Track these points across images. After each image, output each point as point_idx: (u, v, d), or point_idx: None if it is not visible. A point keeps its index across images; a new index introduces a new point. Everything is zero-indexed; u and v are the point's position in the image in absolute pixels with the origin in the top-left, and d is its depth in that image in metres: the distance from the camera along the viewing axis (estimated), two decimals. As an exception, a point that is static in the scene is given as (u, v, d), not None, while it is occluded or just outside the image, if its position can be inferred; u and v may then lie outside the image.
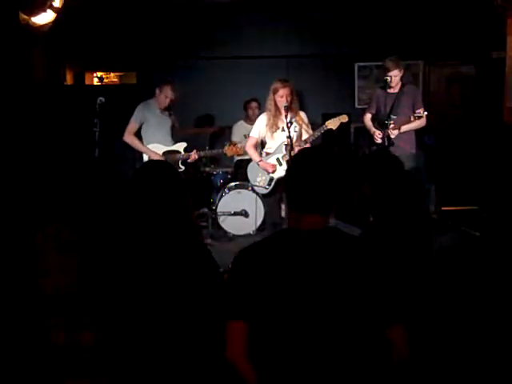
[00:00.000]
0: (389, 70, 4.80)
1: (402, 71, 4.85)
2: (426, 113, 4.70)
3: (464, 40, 6.50)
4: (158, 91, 4.97)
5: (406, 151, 4.72)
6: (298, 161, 1.81)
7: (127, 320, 1.88)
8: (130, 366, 1.88)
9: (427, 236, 2.41)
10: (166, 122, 5.06)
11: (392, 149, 4.66)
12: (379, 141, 4.84)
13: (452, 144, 6.46)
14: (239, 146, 5.16)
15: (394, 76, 4.80)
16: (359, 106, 6.88)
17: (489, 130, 5.94)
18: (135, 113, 4.97)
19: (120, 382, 1.89)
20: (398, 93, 4.84)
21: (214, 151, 5.37)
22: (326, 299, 1.62)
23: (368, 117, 5.10)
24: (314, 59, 6.84)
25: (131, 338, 1.88)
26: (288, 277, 1.64)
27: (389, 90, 4.87)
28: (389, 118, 4.71)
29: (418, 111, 4.77)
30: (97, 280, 1.96)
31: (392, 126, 4.67)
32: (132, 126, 4.96)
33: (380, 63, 6.69)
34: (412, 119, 4.71)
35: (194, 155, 4.98)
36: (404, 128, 4.72)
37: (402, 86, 4.90)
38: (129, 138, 4.94)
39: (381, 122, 4.90)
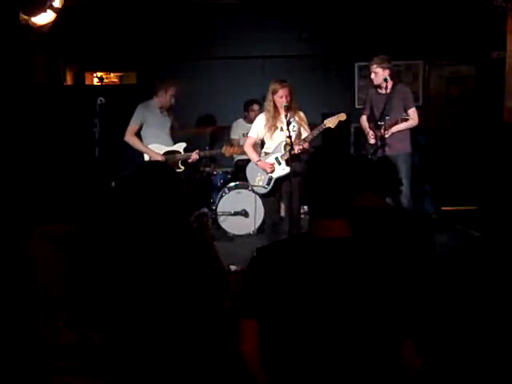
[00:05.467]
0: (370, 65, 4.80)
1: (387, 71, 4.77)
2: (410, 116, 4.71)
3: (464, 40, 6.49)
4: (162, 92, 4.95)
5: (400, 151, 4.74)
6: (316, 166, 1.69)
7: (124, 319, 1.88)
8: (127, 364, 1.88)
9: (428, 238, 2.41)
10: (166, 123, 5.07)
11: (387, 149, 4.67)
12: (372, 141, 4.86)
13: (452, 144, 6.46)
14: (237, 146, 5.17)
15: (374, 73, 4.79)
16: (359, 106, 6.88)
17: (489, 129, 5.94)
18: (135, 113, 4.96)
19: (117, 380, 1.89)
20: (389, 93, 4.82)
21: (213, 151, 5.37)
22: (342, 309, 1.58)
23: (364, 118, 5.11)
24: (313, 59, 6.84)
25: (129, 337, 1.88)
26: (306, 282, 1.59)
27: (380, 91, 4.88)
28: (381, 119, 4.71)
29: (410, 111, 4.79)
30: (94, 279, 1.96)
31: (384, 126, 4.68)
32: (133, 126, 4.95)
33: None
34: (400, 121, 4.71)
35: (194, 155, 4.99)
36: (394, 129, 4.72)
37: (394, 86, 4.87)
38: (130, 138, 4.94)
39: (375, 123, 4.92)
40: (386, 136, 4.65)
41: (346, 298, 1.58)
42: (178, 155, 5.03)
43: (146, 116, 4.96)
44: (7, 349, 2.16)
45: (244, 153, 4.88)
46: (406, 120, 4.71)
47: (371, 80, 4.87)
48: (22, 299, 2.25)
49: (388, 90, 4.81)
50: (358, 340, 1.58)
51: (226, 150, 5.05)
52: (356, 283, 1.58)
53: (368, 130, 4.97)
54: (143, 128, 4.99)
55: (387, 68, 4.78)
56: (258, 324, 1.66)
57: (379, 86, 4.86)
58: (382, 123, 4.67)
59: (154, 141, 4.97)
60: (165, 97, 4.95)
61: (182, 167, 5.00)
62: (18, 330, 2.08)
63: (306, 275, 1.59)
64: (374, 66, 4.77)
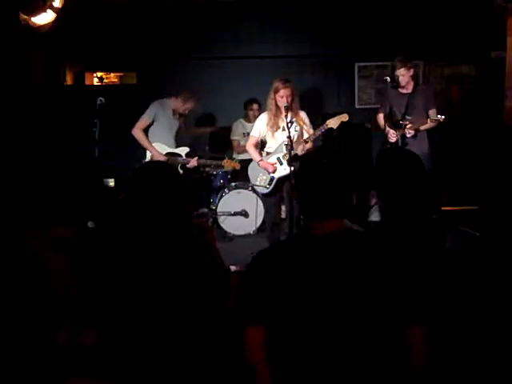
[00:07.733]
0: (396, 69, 4.83)
1: (412, 71, 4.87)
2: (443, 116, 4.71)
3: (464, 40, 6.49)
4: (181, 99, 5.01)
5: (421, 151, 4.74)
6: (307, 168, 1.73)
7: (128, 319, 1.88)
8: (131, 364, 1.88)
9: (438, 236, 2.40)
10: (175, 125, 5.10)
11: (407, 148, 4.70)
12: (393, 140, 4.86)
13: (452, 144, 6.46)
14: (237, 161, 5.25)
15: (402, 75, 4.83)
16: (359, 106, 6.88)
17: (488, 129, 5.94)
18: (150, 108, 4.96)
19: (121, 380, 1.89)
20: (411, 93, 4.86)
21: (214, 162, 5.38)
22: (347, 302, 1.59)
23: (381, 116, 5.11)
24: (314, 59, 6.84)
25: (132, 337, 1.88)
26: (308, 281, 1.60)
27: (401, 90, 4.90)
28: (404, 119, 4.73)
29: (431, 111, 4.81)
30: (96, 280, 1.96)
31: (409, 126, 4.69)
32: (144, 121, 4.94)
33: (380, 63, 6.75)
34: (429, 121, 4.72)
35: (193, 162, 5.01)
36: (422, 128, 4.77)
37: (416, 85, 4.91)
38: (138, 132, 4.92)
39: (395, 122, 4.92)
40: (409, 135, 4.69)
41: (347, 289, 1.59)
42: (179, 158, 5.04)
43: (159, 114, 4.96)
44: (24, 351, 2.16)
45: (243, 164, 4.91)
46: (437, 121, 4.70)
47: (398, 83, 4.89)
48: (30, 303, 2.25)
49: (410, 90, 4.86)
50: (364, 329, 1.59)
51: (227, 163, 5.10)
52: (354, 274, 1.60)
53: (387, 128, 4.97)
54: (152, 125, 4.99)
55: (411, 67, 4.87)
56: (264, 329, 1.65)
57: (398, 85, 4.89)
58: (404, 123, 4.71)
59: (159, 140, 4.98)
60: (181, 105, 5.01)
61: (181, 171, 5.00)
62: (34, 333, 2.08)
63: (307, 272, 1.61)
64: (402, 69, 4.82)
